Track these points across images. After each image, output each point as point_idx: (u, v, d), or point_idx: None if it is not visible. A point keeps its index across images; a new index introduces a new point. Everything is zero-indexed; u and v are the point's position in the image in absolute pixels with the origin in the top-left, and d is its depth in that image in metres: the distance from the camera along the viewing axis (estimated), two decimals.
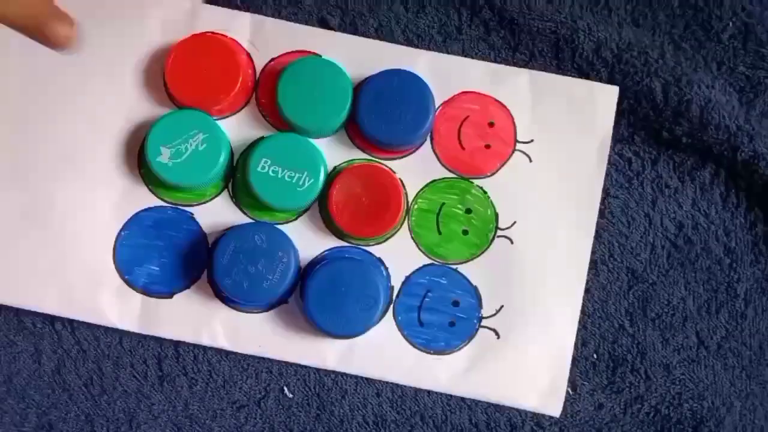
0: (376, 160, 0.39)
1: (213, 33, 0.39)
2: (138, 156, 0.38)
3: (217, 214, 0.38)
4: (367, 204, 0.37)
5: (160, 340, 0.39)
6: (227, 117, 0.39)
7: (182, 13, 0.39)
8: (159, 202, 0.39)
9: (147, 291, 0.38)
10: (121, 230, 0.38)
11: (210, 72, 0.37)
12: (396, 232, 0.38)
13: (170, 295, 0.38)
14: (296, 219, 0.38)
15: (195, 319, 0.38)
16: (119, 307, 0.38)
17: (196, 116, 0.37)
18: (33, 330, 0.39)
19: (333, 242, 0.38)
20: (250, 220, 0.38)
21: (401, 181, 0.38)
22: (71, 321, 0.39)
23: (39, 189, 0.38)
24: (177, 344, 0.39)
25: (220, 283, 0.36)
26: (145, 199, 0.38)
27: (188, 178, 0.37)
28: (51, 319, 0.39)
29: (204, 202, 0.39)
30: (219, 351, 0.38)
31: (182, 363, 0.39)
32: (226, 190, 0.39)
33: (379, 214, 0.37)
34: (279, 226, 0.38)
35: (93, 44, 0.38)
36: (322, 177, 0.37)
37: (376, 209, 0.37)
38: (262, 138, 0.38)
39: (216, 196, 0.39)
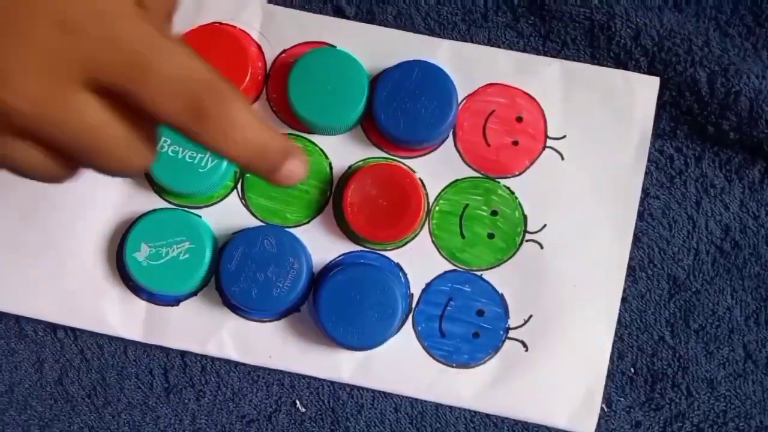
0: (394, 158, 0.37)
1: (220, 23, 0.37)
2: None
3: (225, 216, 0.37)
4: (385, 206, 0.36)
5: (166, 350, 0.38)
6: None
7: (187, 2, 0.37)
8: (165, 204, 0.37)
9: (152, 299, 0.37)
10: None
11: (217, 65, 0.34)
12: (415, 236, 0.37)
13: (176, 303, 0.37)
14: (308, 222, 0.37)
15: (202, 329, 0.37)
16: (123, 315, 0.37)
17: (191, 222, 0.36)
18: (34, 338, 0.38)
19: (348, 247, 0.37)
20: (260, 223, 0.37)
21: (421, 181, 0.37)
22: (74, 329, 0.38)
23: (39, 192, 0.37)
24: (184, 354, 0.37)
25: (228, 291, 0.35)
26: (150, 201, 0.37)
27: (156, 284, 0.35)
28: (53, 327, 0.38)
29: (212, 204, 0.37)
30: (228, 362, 0.37)
31: (189, 374, 0.37)
32: (235, 191, 0.37)
33: (397, 216, 0.36)
34: (290, 230, 0.37)
35: None
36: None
37: (394, 211, 0.36)
38: None
39: (224, 198, 0.37)
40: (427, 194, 0.37)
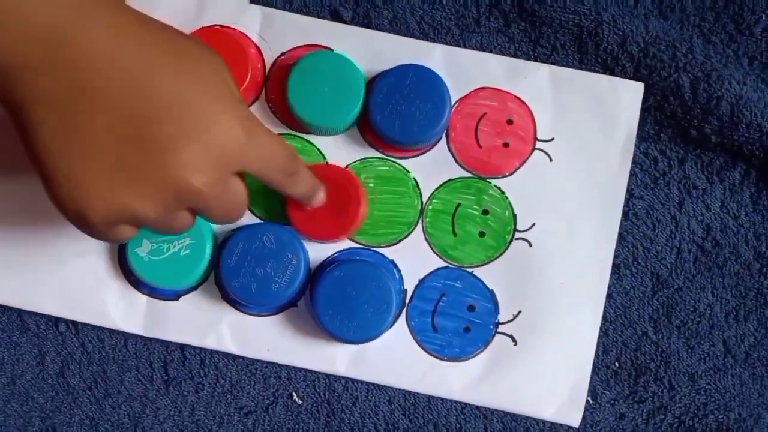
0: (389, 158, 0.38)
1: (221, 26, 0.38)
2: None
3: None
4: (327, 206, 0.36)
5: (166, 343, 0.38)
6: None
7: (190, 6, 0.38)
8: None
9: (153, 293, 0.37)
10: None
11: None
12: (410, 234, 0.38)
13: (176, 298, 0.37)
14: None
15: (202, 323, 0.37)
16: (124, 309, 0.37)
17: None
18: (36, 331, 0.38)
19: (344, 243, 0.38)
20: (259, 220, 0.38)
21: (415, 180, 0.38)
22: (75, 322, 0.38)
23: (41, 187, 0.37)
24: (183, 347, 0.38)
25: (228, 286, 0.36)
26: None
27: (157, 279, 0.36)
28: (55, 321, 0.38)
29: None
30: (226, 355, 0.38)
31: (189, 367, 0.38)
32: None
33: (338, 215, 0.36)
34: (288, 227, 0.37)
35: None
36: None
37: (335, 211, 0.36)
38: None
39: None
40: (420, 193, 0.37)
